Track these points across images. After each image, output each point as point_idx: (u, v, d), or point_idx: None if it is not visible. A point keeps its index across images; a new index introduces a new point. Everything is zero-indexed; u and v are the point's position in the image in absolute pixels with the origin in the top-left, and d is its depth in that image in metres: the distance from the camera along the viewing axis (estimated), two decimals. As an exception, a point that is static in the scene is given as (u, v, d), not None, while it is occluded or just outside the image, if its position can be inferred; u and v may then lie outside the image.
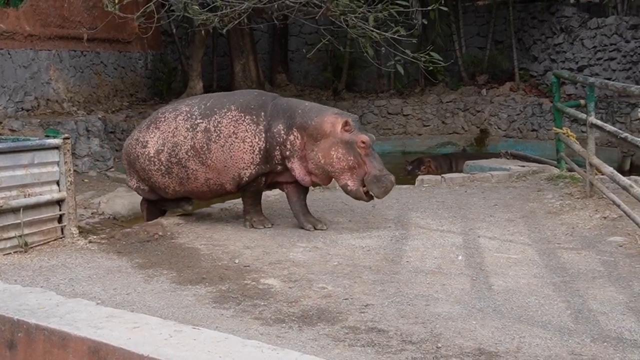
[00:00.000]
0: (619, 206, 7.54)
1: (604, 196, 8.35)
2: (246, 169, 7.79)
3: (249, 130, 7.72)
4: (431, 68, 13.23)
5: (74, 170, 8.26)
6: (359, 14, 12.31)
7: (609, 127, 8.27)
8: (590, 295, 5.70)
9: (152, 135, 8.11)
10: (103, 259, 7.08)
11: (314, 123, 7.64)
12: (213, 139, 7.77)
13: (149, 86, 19.28)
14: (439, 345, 4.79)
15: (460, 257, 6.81)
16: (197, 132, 7.84)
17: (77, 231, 7.77)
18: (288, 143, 7.70)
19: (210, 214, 8.85)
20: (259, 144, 7.73)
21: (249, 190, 8.02)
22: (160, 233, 7.91)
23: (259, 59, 19.86)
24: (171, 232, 8.00)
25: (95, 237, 7.88)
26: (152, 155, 8.07)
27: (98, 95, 17.06)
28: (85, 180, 12.99)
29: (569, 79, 11.37)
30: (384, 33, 12.30)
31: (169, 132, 8.00)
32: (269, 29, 20.88)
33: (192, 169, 7.92)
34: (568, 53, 17.76)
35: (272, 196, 9.61)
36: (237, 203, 9.27)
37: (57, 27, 15.80)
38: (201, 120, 7.86)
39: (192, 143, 7.85)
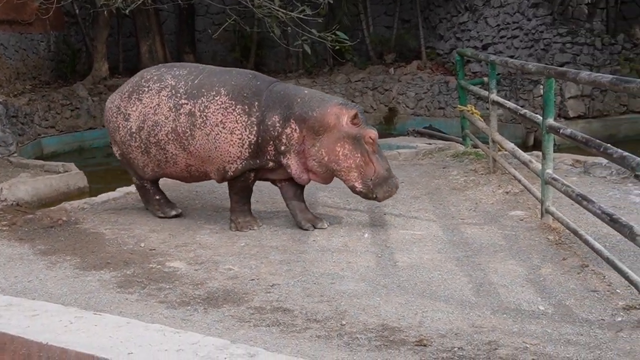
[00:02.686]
0: (520, 181, 7.73)
1: (507, 172, 8.55)
2: (232, 163, 7.00)
3: (239, 122, 6.90)
4: (338, 47, 13.27)
5: (-28, 156, 8.00)
6: (265, -7, 12.23)
7: (509, 103, 8.46)
8: (492, 269, 5.84)
9: (134, 108, 7.37)
10: (4, 246, 6.90)
11: (315, 114, 6.82)
12: (198, 125, 7.01)
13: (52, 69, 18.77)
14: (344, 322, 4.85)
15: (366, 235, 6.88)
16: (181, 114, 7.09)
17: (-23, 219, 7.55)
18: (284, 137, 6.89)
19: (115, 198, 8.68)
20: (249, 138, 6.92)
21: (236, 187, 7.21)
22: (64, 218, 7.75)
23: (165, 40, 19.57)
24: (75, 217, 7.84)
25: (-5, 224, 7.67)
26: (134, 130, 7.36)
27: (-2, 78, 16.54)
28: (-13, 166, 12.60)
29: (472, 57, 11.56)
30: (290, 13, 12.25)
31: (150, 107, 7.26)
32: (175, 9, 20.55)
33: (171, 152, 7.24)
34: (473, 31, 18.07)
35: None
36: (143, 186, 9.15)
37: (-48, 8, 15.23)
38: (186, 101, 7.09)
39: (174, 126, 7.12)
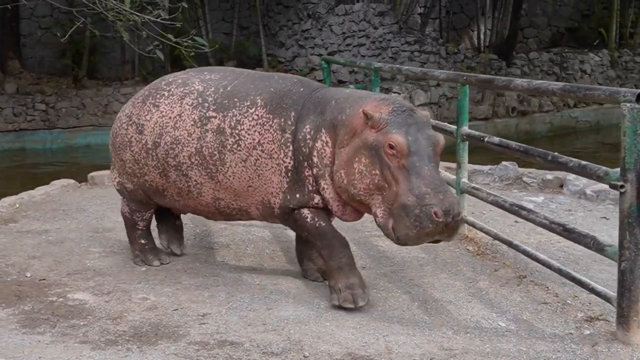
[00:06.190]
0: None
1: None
2: (275, 196, 5.25)
3: (275, 141, 5.19)
4: (193, 54, 12.67)
5: None
6: (112, -5, 11.45)
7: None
8: (428, 284, 5.56)
9: (148, 116, 5.70)
10: None
11: (343, 118, 4.96)
12: (229, 147, 5.31)
13: None
14: (306, 354, 4.38)
15: (278, 252, 6.43)
16: (207, 130, 5.39)
17: None
18: (315, 154, 5.06)
19: (-25, 221, 7.70)
20: (285, 161, 5.17)
21: (312, 234, 5.25)
22: None
23: (-13, 44, 18.18)
24: None
25: None
26: (150, 146, 5.69)
27: None
28: None
29: (346, 64, 11.38)
30: (145, 16, 11.54)
31: (170, 117, 5.58)
32: (-3, 12, 19.14)
33: (195, 180, 5.52)
34: (317, 39, 17.97)
35: (39, 196, 8.62)
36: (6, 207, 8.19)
37: None
38: (214, 114, 5.39)
39: (199, 146, 5.42)
